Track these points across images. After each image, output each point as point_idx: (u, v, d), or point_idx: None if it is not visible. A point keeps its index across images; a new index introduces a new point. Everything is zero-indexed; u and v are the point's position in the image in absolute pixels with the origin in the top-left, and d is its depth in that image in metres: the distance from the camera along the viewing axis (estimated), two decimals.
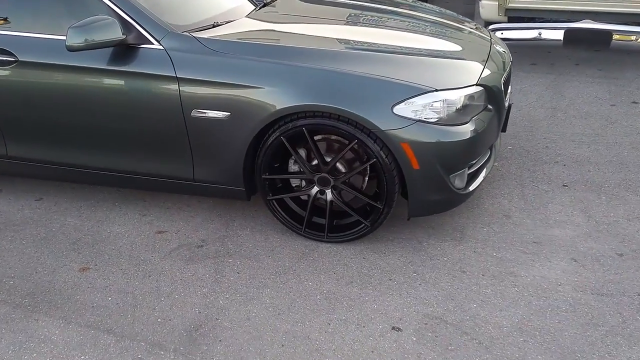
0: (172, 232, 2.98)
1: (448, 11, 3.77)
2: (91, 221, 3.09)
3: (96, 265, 2.74)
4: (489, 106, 2.73)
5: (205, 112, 2.62)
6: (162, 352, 2.22)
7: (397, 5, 3.63)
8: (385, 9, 3.47)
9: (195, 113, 2.63)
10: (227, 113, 2.60)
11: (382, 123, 2.45)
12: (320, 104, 2.48)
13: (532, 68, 5.29)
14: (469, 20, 3.65)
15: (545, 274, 2.58)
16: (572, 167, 3.51)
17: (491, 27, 5.01)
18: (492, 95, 2.74)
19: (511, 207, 3.10)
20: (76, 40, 2.50)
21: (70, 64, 2.70)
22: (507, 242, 2.81)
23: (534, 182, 3.34)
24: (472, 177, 2.81)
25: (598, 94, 4.61)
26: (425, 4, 3.92)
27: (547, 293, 2.46)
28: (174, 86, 2.61)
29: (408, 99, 2.47)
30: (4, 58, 2.79)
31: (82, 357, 2.21)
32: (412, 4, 3.76)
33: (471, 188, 2.77)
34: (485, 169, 2.91)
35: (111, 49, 2.64)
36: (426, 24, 3.25)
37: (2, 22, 2.84)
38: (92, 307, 2.47)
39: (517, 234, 2.88)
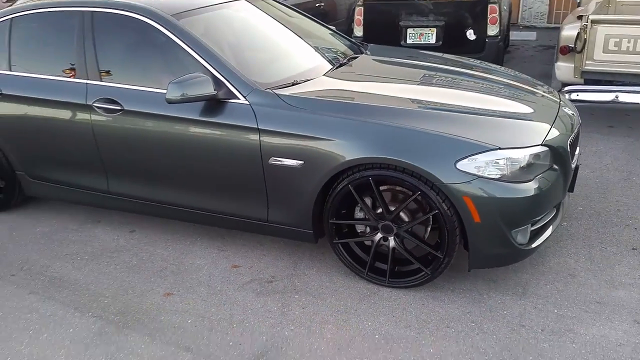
0: (246, 267, 3.24)
1: (521, 74, 3.90)
2: (176, 252, 3.42)
3: (179, 291, 3.03)
4: (555, 166, 2.82)
5: (281, 160, 2.90)
6: None
7: (472, 67, 3.81)
8: (459, 71, 3.65)
9: (272, 160, 2.92)
10: (300, 162, 2.86)
11: (444, 177, 2.62)
12: (387, 156, 2.69)
13: (609, 130, 5.24)
14: (542, 83, 3.76)
15: (606, 334, 2.58)
16: None
17: (566, 88, 5.05)
18: (558, 156, 2.83)
19: (577, 267, 3.11)
20: (175, 94, 2.88)
21: (168, 114, 3.09)
22: (569, 300, 2.83)
23: (602, 244, 3.33)
24: (537, 234, 2.88)
25: None
26: (500, 67, 4.08)
27: (605, 352, 2.46)
28: (255, 136, 2.92)
29: (471, 155, 2.62)
30: (112, 107, 3.24)
31: None
32: (486, 67, 3.91)
33: (534, 245, 2.84)
34: (551, 227, 2.97)
35: (203, 102, 3.00)
36: (498, 86, 3.38)
37: (104, 74, 3.28)
38: (174, 327, 2.74)
39: (581, 293, 2.89)
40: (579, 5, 6.86)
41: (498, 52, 6.37)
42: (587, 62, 4.98)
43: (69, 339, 2.71)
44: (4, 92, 3.54)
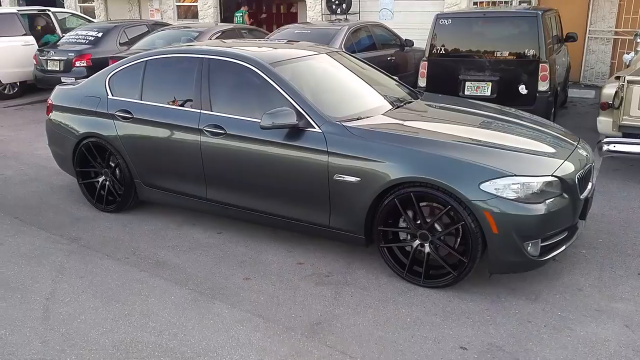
0: (308, 264, 4.02)
1: (552, 122, 4.57)
2: (253, 251, 4.25)
3: (255, 277, 3.85)
4: (564, 194, 3.46)
5: (343, 177, 3.70)
6: (293, 333, 3.20)
7: (522, 118, 4.44)
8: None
9: (336, 177, 3.72)
10: (358, 178, 3.65)
11: (470, 195, 3.32)
12: (425, 176, 3.43)
13: None
14: (568, 131, 4.39)
15: (598, 332, 3.14)
16: None
17: (604, 140, 5.60)
18: (567, 186, 3.47)
19: (586, 284, 3.68)
20: (267, 122, 3.77)
21: (259, 137, 3.98)
22: (573, 307, 3.41)
23: (612, 269, 3.87)
24: (549, 249, 3.49)
25: None
26: (551, 123, 4.68)
27: (594, 344, 3.03)
28: (324, 157, 3.74)
29: (492, 179, 3.32)
30: (218, 131, 4.17)
31: (241, 328, 3.26)
32: (538, 120, 4.56)
33: (544, 258, 3.46)
34: (563, 247, 3.57)
35: (287, 129, 3.88)
36: (537, 133, 4.07)
37: (214, 105, 4.22)
38: (250, 301, 3.54)
39: (584, 302, 3.46)
40: (628, 67, 7.40)
41: (547, 105, 6.99)
42: (624, 117, 5.54)
43: (170, 302, 3.56)
44: (135, 116, 4.59)
